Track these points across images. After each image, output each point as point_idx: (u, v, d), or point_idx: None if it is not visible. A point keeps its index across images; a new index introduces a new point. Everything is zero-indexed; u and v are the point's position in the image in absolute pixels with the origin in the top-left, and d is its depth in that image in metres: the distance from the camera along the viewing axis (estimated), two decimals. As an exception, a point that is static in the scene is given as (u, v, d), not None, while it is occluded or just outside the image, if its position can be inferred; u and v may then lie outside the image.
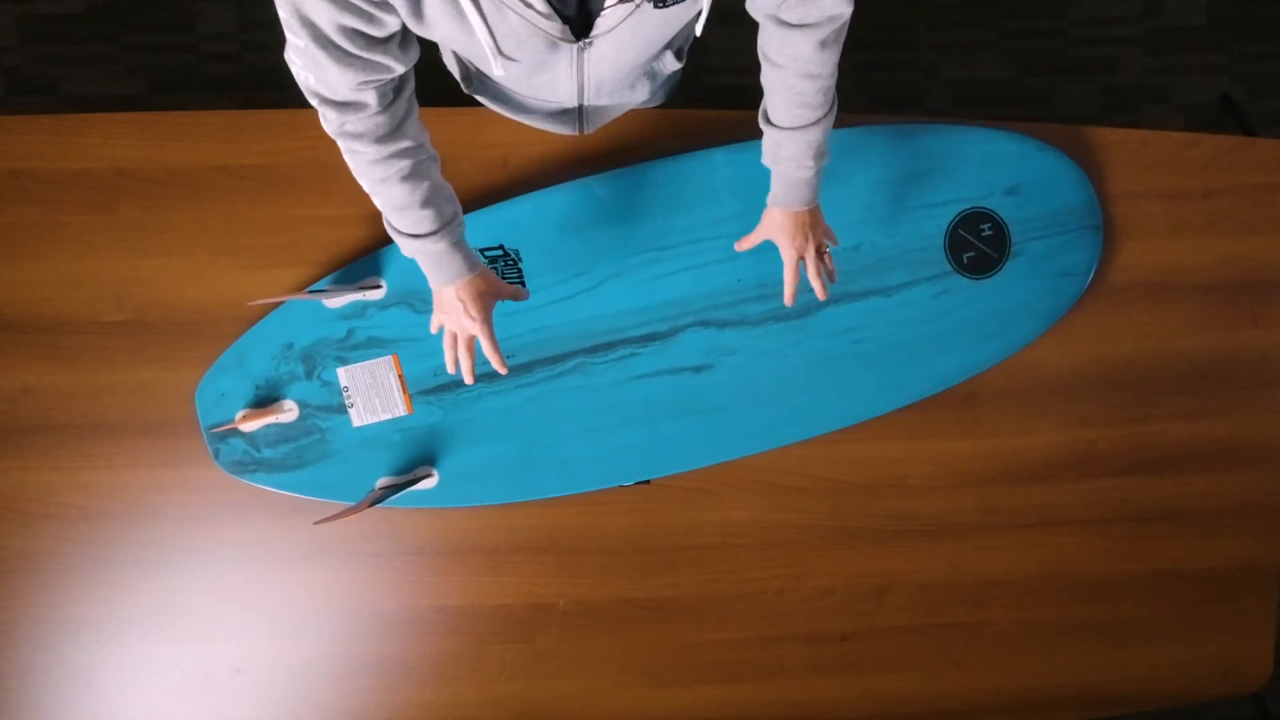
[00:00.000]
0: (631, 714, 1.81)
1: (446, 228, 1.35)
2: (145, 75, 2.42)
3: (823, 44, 1.27)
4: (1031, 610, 1.82)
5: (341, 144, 1.28)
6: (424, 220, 1.33)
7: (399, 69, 1.19)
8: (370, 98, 1.21)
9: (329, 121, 1.25)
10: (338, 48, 1.12)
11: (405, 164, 1.28)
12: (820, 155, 1.40)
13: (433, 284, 1.43)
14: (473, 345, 1.46)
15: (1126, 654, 1.85)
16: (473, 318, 1.42)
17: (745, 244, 1.55)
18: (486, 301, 1.43)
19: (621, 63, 1.29)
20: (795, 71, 1.30)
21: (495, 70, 1.17)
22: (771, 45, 1.30)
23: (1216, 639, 1.85)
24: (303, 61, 1.16)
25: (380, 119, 1.24)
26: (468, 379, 1.47)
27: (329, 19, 1.09)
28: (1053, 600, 1.82)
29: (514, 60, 1.19)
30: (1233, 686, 1.87)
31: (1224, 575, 1.84)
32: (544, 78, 1.29)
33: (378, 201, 1.34)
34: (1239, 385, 1.79)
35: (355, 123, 1.24)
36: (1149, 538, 1.82)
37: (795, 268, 1.50)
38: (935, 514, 1.78)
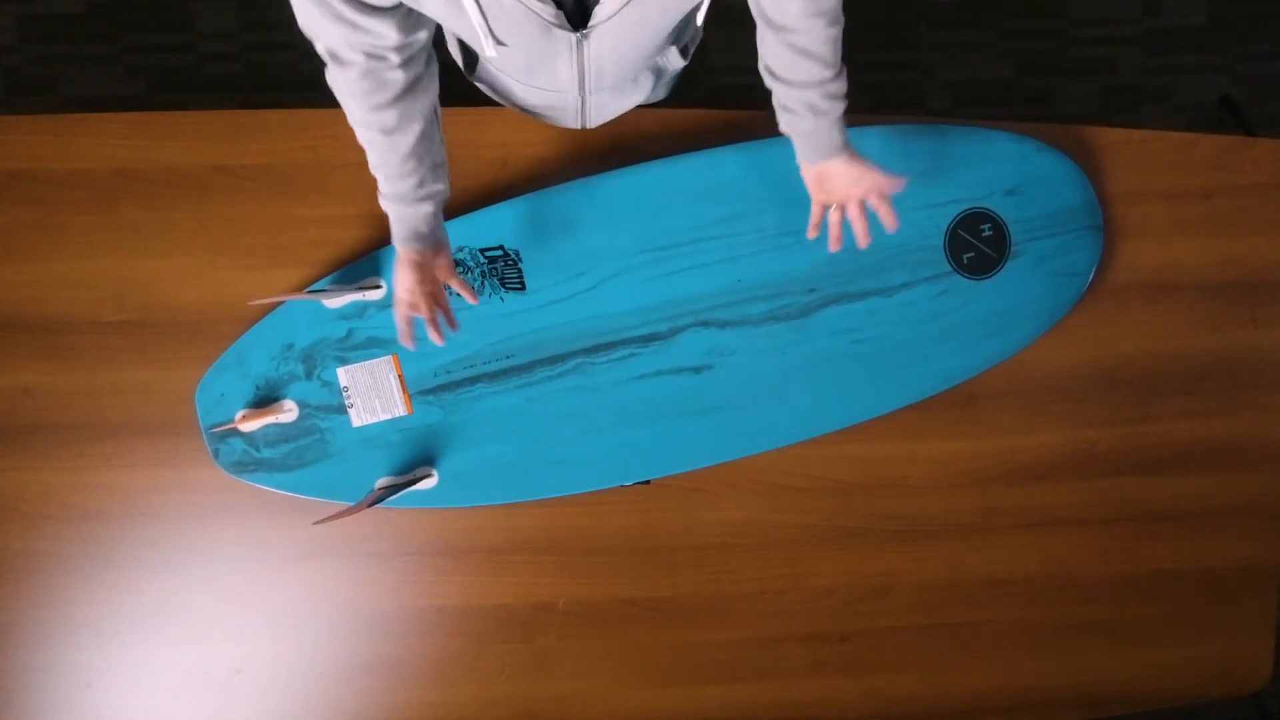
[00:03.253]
0: (631, 714, 1.80)
1: (434, 194, 1.35)
2: (145, 75, 2.41)
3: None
4: (1031, 610, 1.82)
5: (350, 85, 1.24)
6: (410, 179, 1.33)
7: (394, 38, 1.17)
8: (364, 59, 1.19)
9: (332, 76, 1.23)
10: (329, 5, 1.11)
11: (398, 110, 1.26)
12: (828, 101, 1.32)
13: (398, 246, 1.41)
14: (435, 310, 1.46)
15: (1127, 654, 1.85)
16: (440, 266, 1.43)
17: (812, 229, 1.49)
18: (446, 261, 1.45)
19: (623, 54, 1.27)
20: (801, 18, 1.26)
21: (487, 51, 1.15)
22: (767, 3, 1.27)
23: (1216, 639, 1.85)
24: (300, 4, 1.14)
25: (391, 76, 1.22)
26: (439, 339, 1.47)
27: None
28: (1053, 600, 1.82)
29: (506, 45, 1.17)
30: (1233, 686, 1.87)
31: (1224, 575, 1.84)
32: (544, 66, 1.27)
33: (362, 137, 1.32)
34: (1239, 385, 1.79)
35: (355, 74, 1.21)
36: (1149, 538, 1.82)
37: (820, 213, 1.46)
38: (935, 514, 1.78)
